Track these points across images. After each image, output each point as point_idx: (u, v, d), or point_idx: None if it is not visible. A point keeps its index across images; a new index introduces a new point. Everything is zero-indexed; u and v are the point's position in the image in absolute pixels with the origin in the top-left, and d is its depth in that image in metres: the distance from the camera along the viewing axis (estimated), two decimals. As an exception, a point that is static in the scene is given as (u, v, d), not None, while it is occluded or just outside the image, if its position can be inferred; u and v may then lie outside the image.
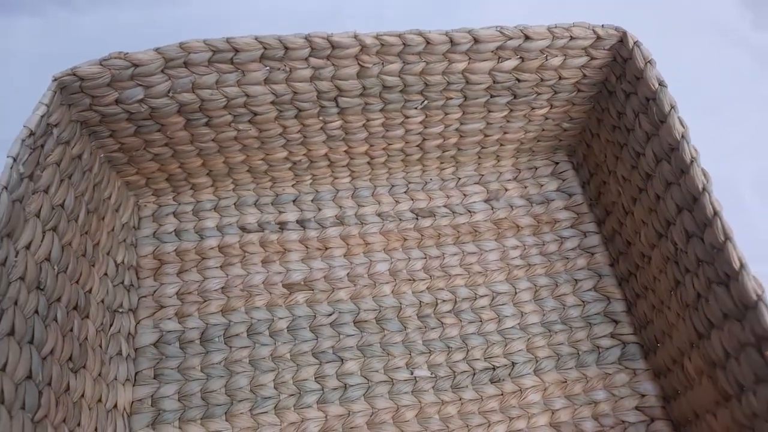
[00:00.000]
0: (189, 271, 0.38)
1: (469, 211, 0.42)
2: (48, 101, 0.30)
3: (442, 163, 0.43)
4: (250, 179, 0.41)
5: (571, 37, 0.35)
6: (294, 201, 0.42)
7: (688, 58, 0.48)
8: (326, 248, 0.40)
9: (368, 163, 0.42)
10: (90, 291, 0.33)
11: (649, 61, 0.34)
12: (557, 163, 0.44)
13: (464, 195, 0.43)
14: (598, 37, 0.35)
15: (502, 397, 0.36)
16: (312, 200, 0.42)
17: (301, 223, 0.41)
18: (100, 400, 0.32)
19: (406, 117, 0.39)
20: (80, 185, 0.33)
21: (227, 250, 0.39)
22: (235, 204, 0.41)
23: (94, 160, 0.35)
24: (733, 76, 0.50)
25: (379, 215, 0.42)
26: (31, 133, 0.29)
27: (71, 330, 0.31)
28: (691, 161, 0.31)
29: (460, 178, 0.44)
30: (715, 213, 0.29)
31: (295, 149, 0.39)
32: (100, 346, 0.33)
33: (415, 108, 0.38)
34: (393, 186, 0.43)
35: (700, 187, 0.30)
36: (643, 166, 0.35)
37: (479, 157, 0.43)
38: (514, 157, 0.44)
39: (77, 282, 0.32)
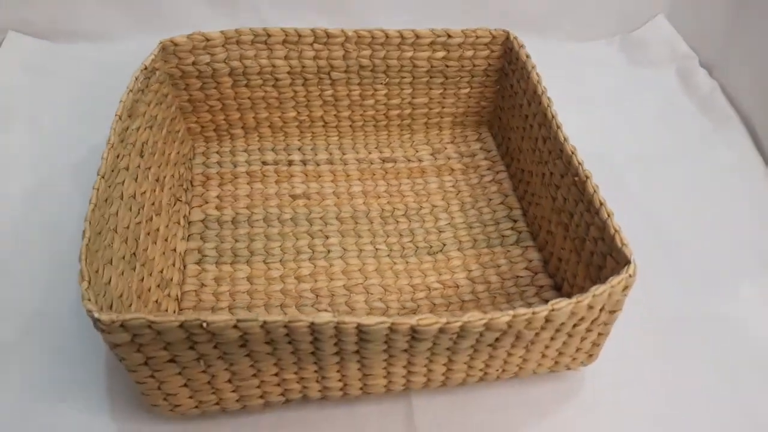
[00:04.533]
0: (226, 184, 0.57)
1: (419, 160, 0.61)
2: (156, 53, 0.51)
3: (401, 131, 0.63)
4: (270, 133, 0.61)
5: (476, 36, 0.56)
6: (299, 149, 0.61)
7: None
8: (319, 176, 0.59)
9: (350, 126, 0.61)
10: (165, 178, 0.51)
11: (522, 46, 0.54)
12: (480, 133, 0.64)
13: (416, 150, 0.62)
14: (493, 36, 0.56)
15: (435, 262, 0.52)
16: (311, 149, 0.61)
17: (303, 162, 0.60)
18: (166, 240, 0.49)
19: (375, 90, 0.59)
20: (166, 113, 0.53)
21: (252, 174, 0.58)
22: (258, 149, 0.60)
23: (173, 103, 0.55)
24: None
25: (357, 160, 0.60)
26: (146, 67, 0.49)
27: (154, 191, 0.49)
28: (542, 93, 0.50)
29: (413, 141, 0.63)
30: (558, 127, 0.48)
31: (301, 110, 0.59)
32: (167, 213, 0.51)
33: (380, 83, 0.58)
34: (367, 144, 0.62)
35: (550, 116, 0.49)
36: (523, 112, 0.54)
37: (427, 128, 0.63)
38: (451, 129, 0.64)
39: (159, 167, 0.51)
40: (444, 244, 0.54)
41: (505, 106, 0.60)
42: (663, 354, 0.48)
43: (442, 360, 0.39)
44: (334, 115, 0.60)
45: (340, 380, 0.39)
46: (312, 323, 0.32)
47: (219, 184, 0.57)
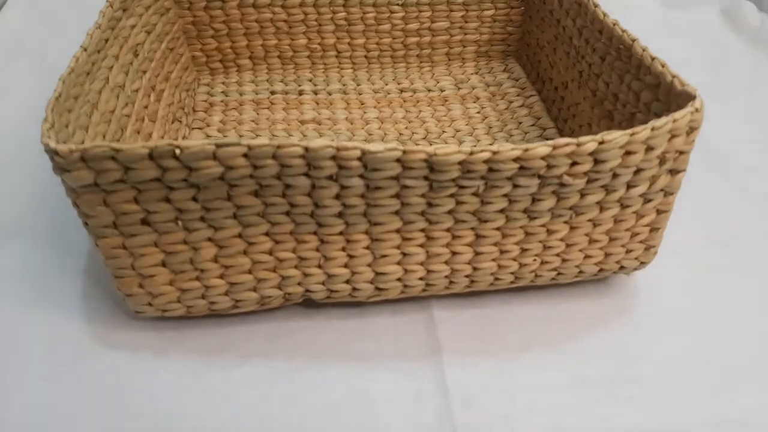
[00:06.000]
0: (230, 111, 0.52)
1: (441, 90, 0.56)
2: (156, -40, 0.48)
3: (421, 62, 0.58)
4: (280, 65, 0.57)
5: (500, -55, 0.52)
6: (310, 80, 0.56)
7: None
8: (331, 104, 0.54)
9: (365, 57, 0.57)
10: (163, 92, 0.47)
11: (550, -52, 0.50)
12: (507, 64, 0.59)
13: (437, 81, 0.57)
14: (518, -55, 0.52)
15: (460, 180, 0.46)
16: (323, 81, 0.56)
17: (315, 92, 0.55)
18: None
19: (391, 12, 0.55)
20: (167, 28, 0.49)
21: (260, 101, 0.53)
22: (267, 80, 0.56)
23: (175, 20, 0.51)
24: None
25: (373, 90, 0.56)
26: (145, -30, 0.46)
27: (149, 96, 0.44)
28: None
29: (434, 73, 0.58)
30: (596, 6, 0.43)
31: (312, 36, 0.55)
32: (163, 125, 0.46)
33: (397, 4, 0.54)
34: (383, 76, 0.57)
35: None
36: (555, 17, 0.49)
37: (449, 59, 0.58)
38: (475, 60, 0.59)
39: (156, 77, 0.47)
40: (469, 164, 0.48)
41: (532, 27, 0.55)
42: (723, 272, 0.41)
43: (468, 237, 0.32)
44: (348, 43, 0.56)
45: (345, 266, 0.33)
46: (307, 149, 0.27)
47: (223, 110, 0.53)
